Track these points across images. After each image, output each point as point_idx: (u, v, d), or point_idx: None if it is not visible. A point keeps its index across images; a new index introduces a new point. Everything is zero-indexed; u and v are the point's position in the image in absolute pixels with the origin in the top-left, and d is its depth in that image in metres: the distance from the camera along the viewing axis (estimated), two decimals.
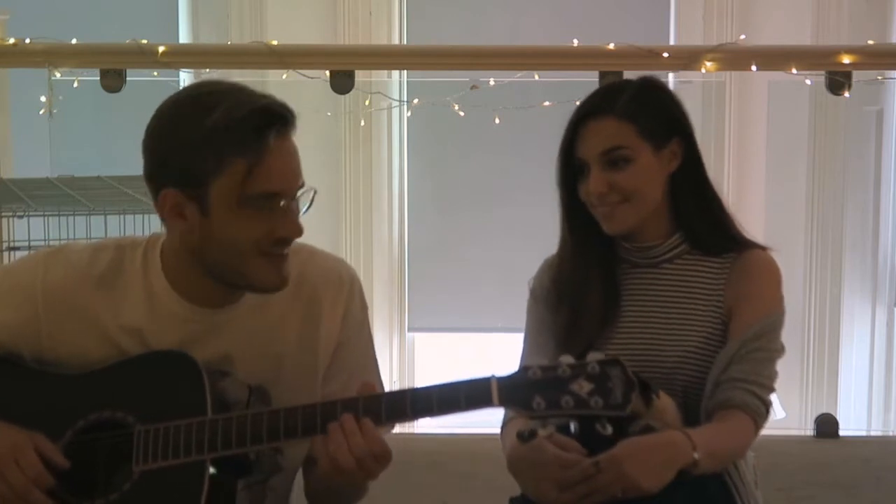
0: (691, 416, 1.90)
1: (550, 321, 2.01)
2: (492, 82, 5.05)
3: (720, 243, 2.00)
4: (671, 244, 2.00)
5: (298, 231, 1.69)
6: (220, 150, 1.61)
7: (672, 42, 5.74)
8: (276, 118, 1.64)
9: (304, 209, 1.71)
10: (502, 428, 1.97)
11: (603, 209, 1.96)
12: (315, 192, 1.71)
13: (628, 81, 2.03)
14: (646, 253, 2.01)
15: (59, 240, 3.15)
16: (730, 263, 1.98)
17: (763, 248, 2.01)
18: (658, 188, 1.97)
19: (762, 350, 1.90)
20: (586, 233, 2.01)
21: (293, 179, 1.67)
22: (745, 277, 1.96)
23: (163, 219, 1.71)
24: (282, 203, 1.65)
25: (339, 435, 1.59)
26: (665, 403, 1.82)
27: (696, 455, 1.74)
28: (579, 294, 1.99)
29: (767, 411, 1.90)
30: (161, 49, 3.86)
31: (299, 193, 1.69)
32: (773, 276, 1.98)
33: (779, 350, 1.94)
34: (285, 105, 1.67)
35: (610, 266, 2.01)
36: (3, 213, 3.31)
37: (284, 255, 1.70)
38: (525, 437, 1.68)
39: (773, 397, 1.93)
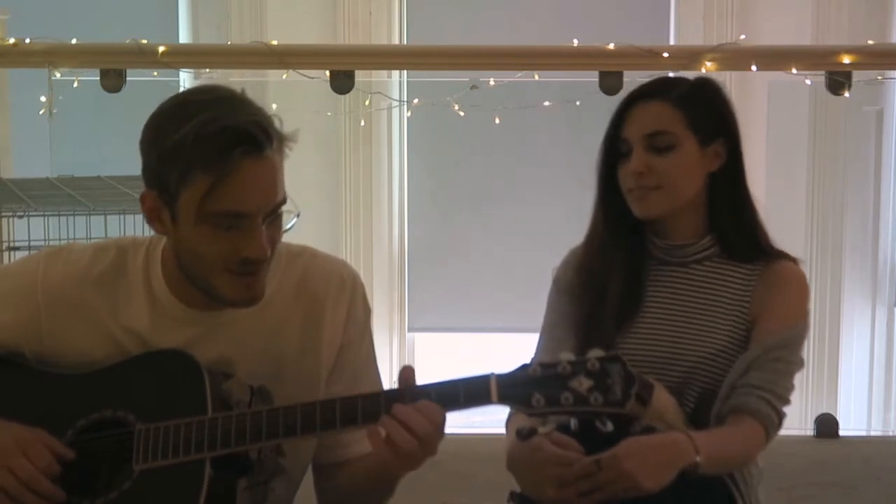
0: (705, 418, 1.90)
1: (570, 314, 2.00)
2: (492, 82, 5.05)
3: (750, 251, 1.99)
4: (702, 245, 2.00)
5: (263, 252, 1.64)
6: (185, 163, 1.59)
7: (672, 42, 5.74)
8: (246, 138, 1.58)
9: (285, 228, 1.70)
10: (507, 421, 1.96)
11: (637, 192, 1.96)
12: (297, 216, 1.70)
13: (685, 77, 2.05)
14: (676, 251, 2.00)
15: (59, 240, 3.14)
16: (759, 272, 1.98)
17: (793, 260, 2.01)
18: (695, 183, 1.97)
19: (782, 361, 1.90)
20: (617, 222, 2.01)
21: (260, 201, 1.62)
22: (773, 287, 1.96)
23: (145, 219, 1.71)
24: (248, 223, 1.62)
25: (394, 424, 1.58)
26: (666, 403, 1.82)
27: (697, 458, 1.74)
28: (602, 284, 1.98)
29: (780, 422, 1.90)
30: (161, 49, 3.85)
31: (281, 210, 1.67)
32: (801, 288, 1.98)
33: (798, 363, 1.94)
34: (265, 125, 1.62)
35: (636, 259, 2.01)
36: (3, 213, 3.30)
37: (255, 273, 1.67)
38: (524, 434, 1.68)
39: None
